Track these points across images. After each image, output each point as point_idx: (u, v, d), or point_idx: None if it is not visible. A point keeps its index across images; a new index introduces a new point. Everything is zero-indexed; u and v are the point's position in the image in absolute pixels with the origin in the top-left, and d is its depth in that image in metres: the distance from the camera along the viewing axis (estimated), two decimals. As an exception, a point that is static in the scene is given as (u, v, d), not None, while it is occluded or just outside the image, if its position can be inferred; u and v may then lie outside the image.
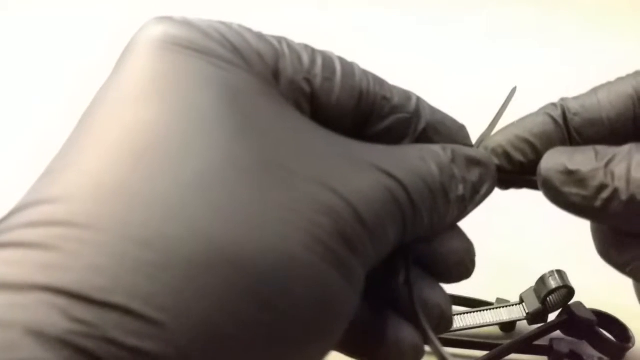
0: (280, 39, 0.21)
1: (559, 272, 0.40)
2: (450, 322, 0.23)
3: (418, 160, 0.20)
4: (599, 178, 0.20)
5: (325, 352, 0.18)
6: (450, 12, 0.78)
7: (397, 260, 0.22)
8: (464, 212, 0.22)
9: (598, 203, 0.20)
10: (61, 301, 0.13)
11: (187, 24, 0.19)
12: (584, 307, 0.40)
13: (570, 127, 0.23)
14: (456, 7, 0.79)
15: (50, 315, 0.13)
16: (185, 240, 0.15)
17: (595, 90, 0.23)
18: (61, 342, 0.13)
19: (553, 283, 0.40)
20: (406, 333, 0.22)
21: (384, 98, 0.22)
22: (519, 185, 0.24)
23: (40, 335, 0.13)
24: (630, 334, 0.40)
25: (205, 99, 0.17)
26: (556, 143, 0.23)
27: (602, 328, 0.41)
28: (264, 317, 0.15)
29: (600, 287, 0.42)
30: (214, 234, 0.15)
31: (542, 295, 0.40)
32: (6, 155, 0.59)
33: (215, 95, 0.17)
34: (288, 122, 0.19)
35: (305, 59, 0.20)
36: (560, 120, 0.23)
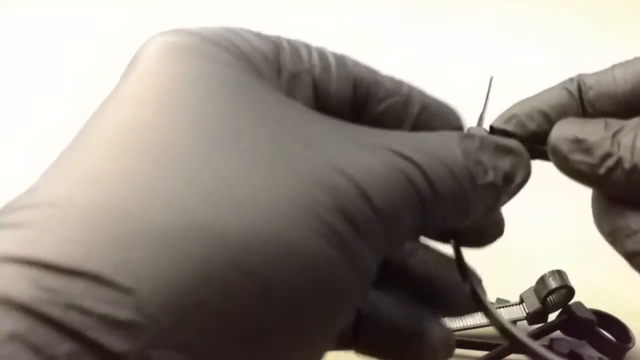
0: (278, 37, 0.21)
1: (559, 272, 0.41)
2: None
3: (439, 145, 0.20)
4: (605, 147, 0.21)
5: (325, 336, 0.18)
6: (450, 12, 0.78)
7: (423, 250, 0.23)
8: (497, 201, 0.21)
9: (602, 170, 0.21)
10: (32, 271, 0.14)
11: (188, 32, 0.19)
12: (584, 307, 0.40)
13: (584, 100, 0.23)
14: (456, 7, 0.79)
15: (19, 283, 0.13)
16: (163, 213, 0.15)
17: (612, 67, 0.24)
18: (25, 309, 0.13)
19: (553, 283, 0.40)
20: (437, 328, 0.22)
21: (377, 82, 0.22)
22: (531, 155, 0.24)
23: (5, 302, 0.13)
24: (630, 334, 0.40)
25: (202, 93, 0.17)
26: (570, 115, 0.23)
27: (602, 328, 0.41)
28: (250, 288, 0.15)
29: (600, 287, 0.42)
30: (195, 207, 0.15)
31: (542, 295, 0.40)
32: (6, 155, 0.59)
33: (213, 88, 0.18)
34: (291, 110, 0.19)
35: (304, 52, 0.21)
36: (575, 94, 0.23)
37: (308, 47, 0.21)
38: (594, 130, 0.21)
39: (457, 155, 0.20)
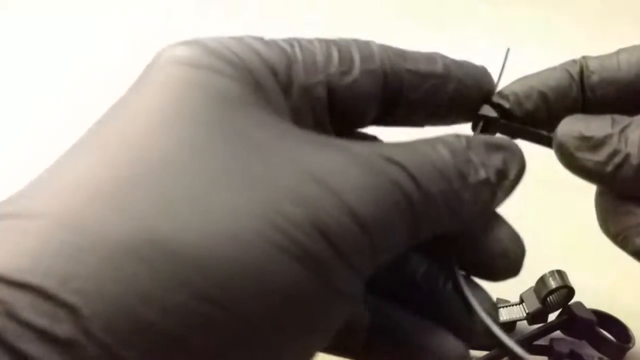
0: (292, 42, 0.20)
1: (559, 272, 0.40)
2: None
3: (426, 147, 0.19)
4: (613, 144, 0.20)
5: (298, 357, 0.17)
6: (451, 12, 0.78)
7: (437, 265, 0.22)
8: (493, 199, 0.21)
9: (609, 168, 0.21)
10: None
11: (195, 44, 0.19)
12: (584, 307, 0.40)
13: (585, 84, 0.23)
14: (457, 7, 0.79)
15: None
16: (118, 227, 0.14)
17: (617, 52, 0.23)
18: None
19: (553, 283, 0.40)
20: (452, 344, 0.21)
21: (409, 71, 0.22)
22: (524, 136, 0.24)
23: None
24: (630, 334, 0.40)
25: (189, 110, 0.17)
26: (570, 97, 0.23)
27: (602, 328, 0.41)
28: (205, 311, 0.14)
29: (600, 287, 0.42)
30: (152, 223, 0.15)
31: (542, 295, 0.40)
32: (6, 155, 0.59)
33: (202, 104, 0.17)
34: (273, 128, 0.18)
35: (320, 57, 0.20)
36: (576, 77, 0.23)
37: (328, 50, 0.20)
38: (600, 127, 0.21)
39: (444, 155, 0.19)
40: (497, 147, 0.21)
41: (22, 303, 0.13)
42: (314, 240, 0.16)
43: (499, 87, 0.24)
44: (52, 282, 0.14)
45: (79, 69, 0.69)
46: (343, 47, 0.21)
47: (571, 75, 0.23)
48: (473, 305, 0.21)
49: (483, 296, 0.22)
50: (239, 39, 0.20)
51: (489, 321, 0.20)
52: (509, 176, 0.21)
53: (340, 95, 0.20)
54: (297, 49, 0.20)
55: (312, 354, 0.17)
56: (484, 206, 0.20)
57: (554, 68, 0.24)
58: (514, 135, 0.24)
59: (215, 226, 0.15)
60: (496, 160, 0.21)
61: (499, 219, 0.22)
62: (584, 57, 0.24)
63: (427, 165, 0.19)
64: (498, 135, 0.24)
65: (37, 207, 0.15)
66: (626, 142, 0.20)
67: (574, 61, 0.24)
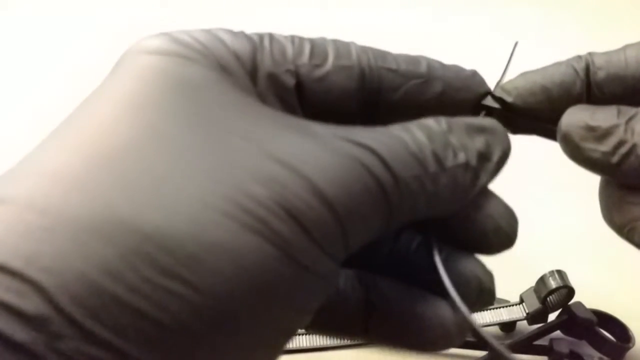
0: (262, 35, 0.20)
1: (559, 272, 0.40)
2: (493, 295, 0.22)
3: (399, 131, 0.19)
4: (619, 134, 0.20)
5: (270, 339, 0.17)
6: (451, 12, 0.78)
7: (423, 241, 0.21)
8: (475, 182, 0.20)
9: (615, 158, 0.20)
10: None
11: (164, 35, 0.19)
12: (584, 307, 0.40)
13: (591, 81, 0.23)
14: (457, 6, 0.79)
15: None
16: (81, 207, 0.15)
17: (624, 47, 0.23)
18: None
19: (553, 283, 0.40)
20: (448, 311, 0.21)
21: (389, 70, 0.21)
22: (527, 129, 0.23)
23: None
24: (630, 334, 0.40)
25: (151, 91, 0.17)
26: (573, 94, 0.23)
27: (602, 328, 0.41)
28: (172, 288, 0.15)
29: (600, 287, 0.42)
30: (117, 203, 0.15)
31: (542, 295, 0.40)
32: (5, 155, 0.59)
33: (159, 87, 0.18)
34: (237, 107, 0.18)
35: (289, 50, 0.20)
36: (582, 73, 0.23)
37: (300, 43, 0.20)
38: (606, 117, 0.21)
39: (419, 138, 0.19)
40: (479, 129, 0.20)
41: None
42: (281, 219, 0.16)
43: (505, 81, 0.24)
44: (18, 261, 0.14)
45: (79, 69, 0.69)
46: (318, 43, 0.21)
47: (576, 71, 0.23)
48: (445, 283, 0.20)
49: (471, 267, 0.21)
50: (207, 30, 0.20)
51: (458, 301, 0.20)
52: (492, 159, 0.20)
53: (311, 87, 0.20)
54: (265, 40, 0.20)
55: (289, 334, 0.17)
56: (465, 190, 0.20)
57: (559, 63, 0.23)
58: (516, 128, 0.24)
59: (178, 205, 0.15)
60: (478, 142, 0.20)
61: (488, 194, 0.22)
62: (589, 54, 0.23)
63: (399, 149, 0.18)
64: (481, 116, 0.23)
65: (6, 192, 0.15)
66: (632, 133, 0.20)
67: (579, 57, 0.23)
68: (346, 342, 0.40)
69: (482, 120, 0.21)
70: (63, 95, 0.65)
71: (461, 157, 0.19)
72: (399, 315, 0.21)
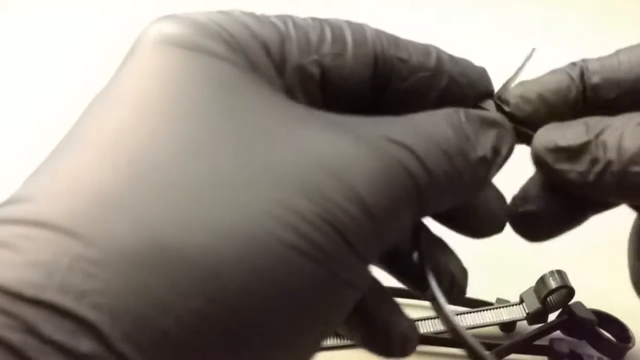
0: (285, 19, 0.20)
1: (559, 272, 0.40)
2: (463, 292, 0.22)
3: (430, 125, 0.19)
4: (591, 151, 0.19)
5: (305, 352, 0.17)
6: (458, 12, 0.78)
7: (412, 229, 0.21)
8: (487, 176, 0.20)
9: (591, 177, 0.19)
10: None
11: (185, 20, 0.18)
12: (584, 307, 0.40)
13: (586, 86, 0.23)
14: (464, 7, 0.79)
15: None
16: (127, 237, 0.14)
17: (617, 52, 0.23)
18: None
19: (553, 283, 0.40)
20: (399, 319, 0.22)
21: (401, 60, 0.21)
22: (527, 139, 0.23)
23: None
24: (630, 334, 0.40)
25: (187, 96, 0.17)
26: (569, 100, 0.23)
27: (602, 328, 0.41)
28: (219, 317, 0.14)
29: (600, 287, 0.42)
30: (161, 229, 0.14)
31: (542, 295, 0.40)
32: (5, 154, 0.59)
33: (199, 90, 0.17)
34: (275, 110, 0.17)
35: (313, 37, 0.20)
36: (577, 79, 0.23)
37: (321, 29, 0.20)
38: (574, 135, 0.20)
39: (447, 133, 0.19)
40: (492, 123, 0.21)
41: (41, 320, 0.13)
42: (325, 235, 0.15)
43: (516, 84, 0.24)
44: (67, 299, 0.14)
45: (79, 68, 0.69)
46: (336, 28, 0.20)
47: (571, 78, 0.23)
48: (429, 278, 0.20)
49: (448, 262, 0.22)
50: (229, 14, 0.19)
51: (438, 294, 0.20)
52: (501, 153, 0.21)
53: (332, 76, 0.20)
54: (290, 26, 0.19)
55: (320, 344, 0.17)
56: (479, 183, 0.20)
57: (554, 71, 0.24)
58: (517, 137, 0.24)
59: (224, 227, 0.15)
60: (491, 136, 0.20)
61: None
62: (583, 60, 0.23)
63: (433, 146, 0.18)
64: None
65: (40, 212, 0.15)
66: (605, 149, 0.19)
67: (573, 64, 0.23)
68: (346, 342, 0.40)
69: (493, 114, 0.21)
70: (64, 96, 0.65)
71: (479, 151, 0.20)
72: (368, 320, 0.22)
